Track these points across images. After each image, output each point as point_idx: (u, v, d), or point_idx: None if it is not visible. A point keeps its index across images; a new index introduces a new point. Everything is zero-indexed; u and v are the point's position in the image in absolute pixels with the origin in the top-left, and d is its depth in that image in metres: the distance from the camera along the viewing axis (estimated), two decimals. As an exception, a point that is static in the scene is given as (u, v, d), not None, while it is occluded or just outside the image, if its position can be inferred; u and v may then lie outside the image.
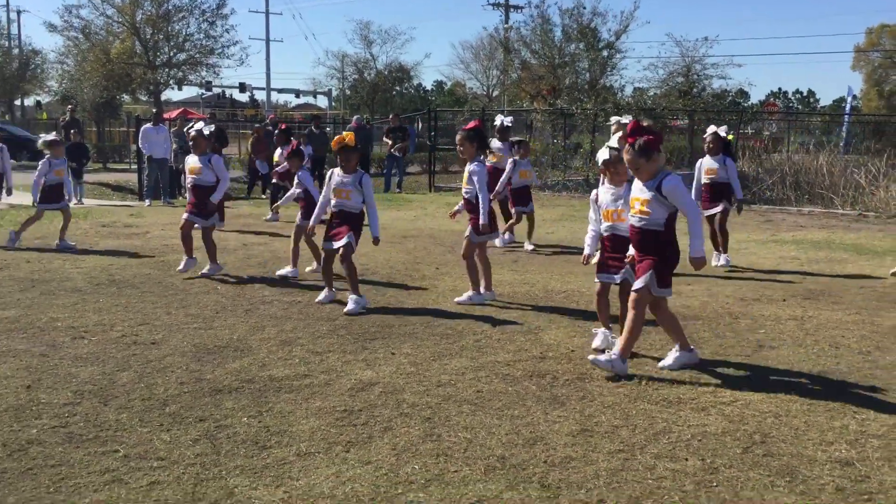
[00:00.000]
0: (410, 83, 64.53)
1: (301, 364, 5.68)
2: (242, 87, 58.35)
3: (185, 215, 8.97)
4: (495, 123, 11.96)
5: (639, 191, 5.50)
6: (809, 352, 6.10)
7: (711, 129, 9.99)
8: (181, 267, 8.94)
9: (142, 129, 17.94)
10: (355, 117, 25.13)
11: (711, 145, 9.90)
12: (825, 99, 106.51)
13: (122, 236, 12.16)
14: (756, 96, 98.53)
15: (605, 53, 35.57)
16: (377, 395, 5.06)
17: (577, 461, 4.09)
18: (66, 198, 11.22)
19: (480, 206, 7.47)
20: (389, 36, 56.81)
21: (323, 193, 7.69)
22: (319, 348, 6.10)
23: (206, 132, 9.25)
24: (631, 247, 5.71)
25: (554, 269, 9.74)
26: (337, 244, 7.37)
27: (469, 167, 7.55)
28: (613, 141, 6.10)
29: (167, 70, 40.91)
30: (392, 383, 5.28)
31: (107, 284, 8.37)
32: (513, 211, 11.56)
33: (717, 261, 9.81)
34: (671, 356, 5.67)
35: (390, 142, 21.94)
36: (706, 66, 36.21)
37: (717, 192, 9.81)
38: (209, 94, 58.24)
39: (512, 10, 49.58)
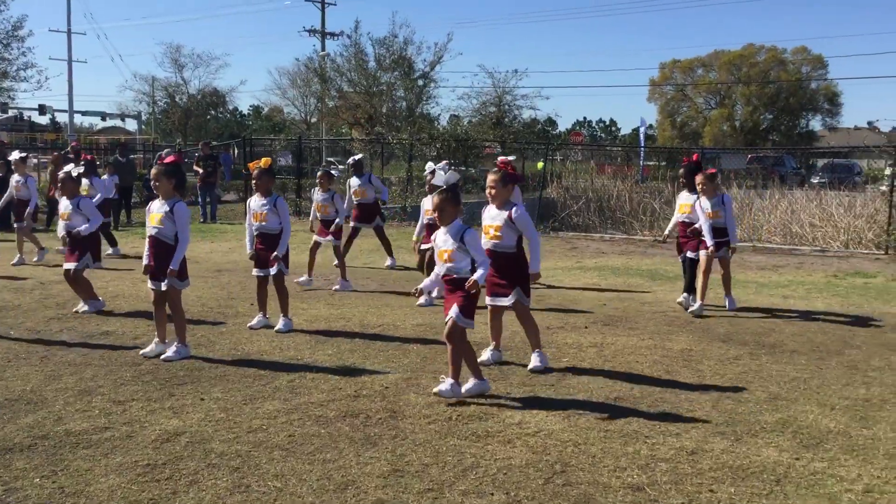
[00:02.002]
0: (226, 108, 63.09)
1: (101, 416, 5.40)
2: (42, 110, 54.85)
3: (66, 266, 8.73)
4: (349, 162, 12.66)
5: (490, 218, 6.41)
6: (607, 378, 6.47)
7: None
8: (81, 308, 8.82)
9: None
10: (165, 151, 24.26)
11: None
12: (626, 128, 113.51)
13: None
14: (563, 125, 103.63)
15: (420, 83, 36.37)
16: (183, 445, 4.89)
17: (388, 503, 4.14)
18: None
19: (179, 246, 6.94)
20: (202, 60, 55.35)
21: (247, 222, 8.30)
22: (122, 397, 5.82)
23: (76, 174, 8.88)
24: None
25: (371, 301, 9.81)
26: (272, 271, 8.02)
27: (164, 204, 6.97)
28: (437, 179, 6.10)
29: (-45, 94, 37.81)
30: (200, 432, 5.12)
31: None
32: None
33: None
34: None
35: (201, 171, 21.47)
36: (517, 97, 37.93)
37: None
38: (5, 116, 54.34)
39: (328, 37, 49.70)
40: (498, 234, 6.39)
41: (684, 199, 9.56)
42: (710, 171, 9.31)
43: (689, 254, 9.37)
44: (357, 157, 12.71)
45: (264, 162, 8.15)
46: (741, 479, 4.49)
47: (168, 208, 6.94)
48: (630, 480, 4.44)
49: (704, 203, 9.08)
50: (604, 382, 6.36)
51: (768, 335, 8.16)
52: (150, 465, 4.58)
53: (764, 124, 66.95)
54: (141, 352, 7.05)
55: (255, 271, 8.19)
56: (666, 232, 10.30)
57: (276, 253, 7.91)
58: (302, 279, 10.81)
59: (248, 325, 8.20)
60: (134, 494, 4.19)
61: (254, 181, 8.22)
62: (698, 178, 9.10)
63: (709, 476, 4.52)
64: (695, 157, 10.10)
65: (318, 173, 11.61)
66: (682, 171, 9.80)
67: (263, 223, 8.04)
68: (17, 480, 4.35)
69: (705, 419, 5.49)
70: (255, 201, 8.13)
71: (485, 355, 6.77)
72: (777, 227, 18.36)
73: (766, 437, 5.17)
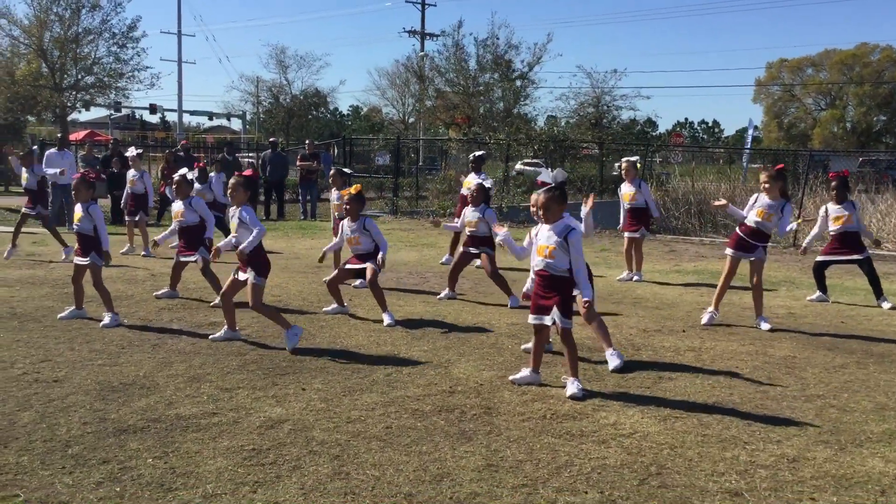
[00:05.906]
0: (327, 108, 64.41)
1: (209, 401, 5.65)
2: (153, 109, 57.26)
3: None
4: (470, 157, 12.82)
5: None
6: (705, 383, 6.37)
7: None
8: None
9: (46, 153, 17.41)
10: (270, 140, 25.03)
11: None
12: (729, 129, 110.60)
13: (24, 265, 11.82)
14: (663, 126, 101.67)
15: (518, 84, 36.33)
16: (286, 432, 5.07)
17: (482, 496, 4.20)
18: None
19: (252, 237, 7.17)
20: (305, 61, 56.68)
21: (336, 243, 9.03)
22: (228, 385, 6.07)
23: (190, 177, 9.48)
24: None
25: (466, 300, 9.89)
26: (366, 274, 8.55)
27: (238, 212, 7.30)
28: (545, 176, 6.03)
29: (74, 93, 39.73)
30: (302, 420, 5.30)
31: (7, 318, 8.13)
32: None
33: (629, 277, 11.52)
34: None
35: (314, 164, 22.03)
36: (615, 98, 37.47)
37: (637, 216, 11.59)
38: (118, 115, 56.94)
39: (427, 37, 50.23)
40: None
41: (834, 211, 10.14)
42: (778, 167, 8.67)
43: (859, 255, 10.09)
44: (479, 154, 12.60)
45: (355, 189, 8.57)
46: (844, 488, 4.37)
47: (237, 218, 7.31)
48: (728, 486, 4.38)
49: (762, 199, 8.52)
50: (701, 387, 6.27)
51: (877, 344, 7.87)
52: (255, 449, 4.77)
53: (877, 126, 64.25)
54: (210, 336, 7.51)
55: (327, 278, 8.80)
56: (804, 244, 10.58)
57: (379, 256, 8.43)
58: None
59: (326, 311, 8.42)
60: (240, 477, 4.38)
61: (345, 207, 8.64)
62: (762, 177, 8.64)
63: (810, 484, 4.42)
64: (845, 172, 10.74)
65: (331, 172, 11.54)
66: (834, 183, 10.22)
67: (358, 246, 8.57)
68: (131, 460, 4.60)
69: (808, 427, 5.35)
70: (347, 225, 8.61)
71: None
72: (891, 233, 17.61)
73: (872, 447, 5.01)
